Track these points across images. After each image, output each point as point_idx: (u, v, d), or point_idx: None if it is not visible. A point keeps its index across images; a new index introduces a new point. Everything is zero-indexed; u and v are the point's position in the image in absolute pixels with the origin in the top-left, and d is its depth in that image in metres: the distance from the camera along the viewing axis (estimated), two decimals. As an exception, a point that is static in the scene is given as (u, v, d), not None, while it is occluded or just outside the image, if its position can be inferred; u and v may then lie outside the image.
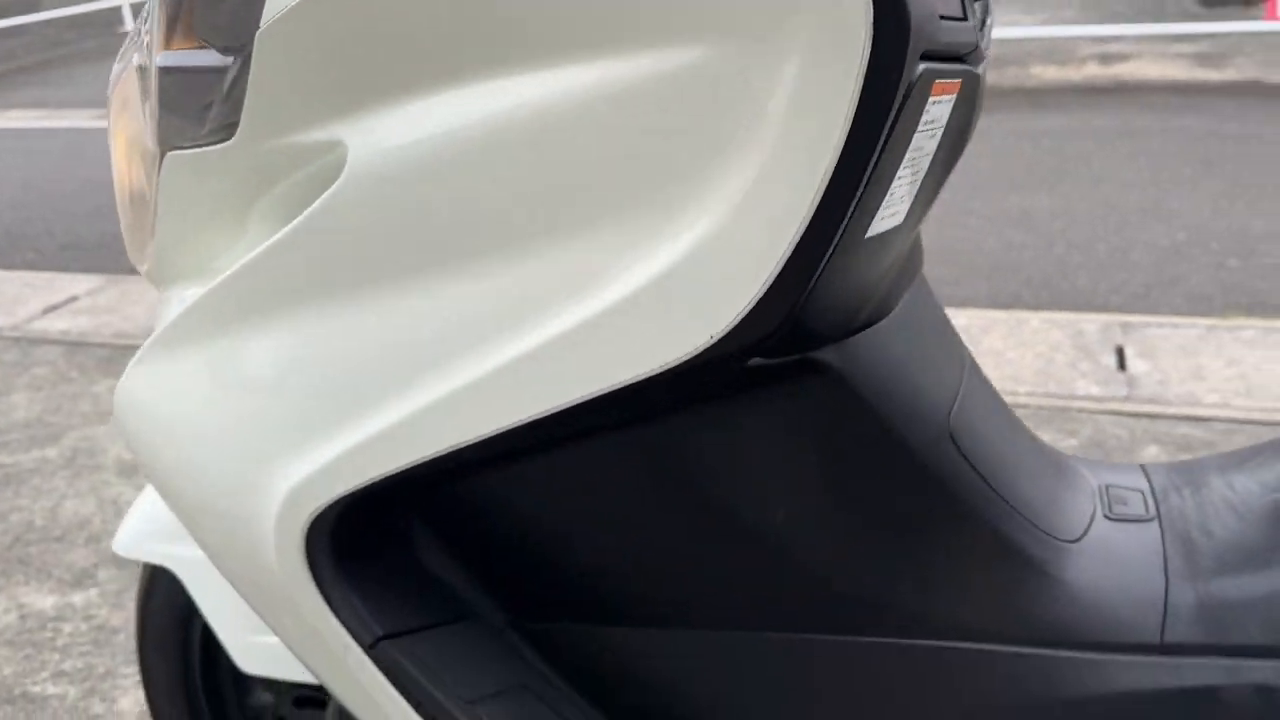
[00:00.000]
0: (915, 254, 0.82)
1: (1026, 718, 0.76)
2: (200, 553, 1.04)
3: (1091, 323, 2.75)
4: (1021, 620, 0.76)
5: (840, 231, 0.57)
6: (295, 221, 0.67)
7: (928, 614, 0.76)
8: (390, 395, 0.68)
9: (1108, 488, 0.87)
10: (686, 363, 0.60)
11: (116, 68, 0.87)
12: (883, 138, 0.55)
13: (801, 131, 0.55)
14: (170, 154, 0.74)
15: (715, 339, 0.59)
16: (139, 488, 2.30)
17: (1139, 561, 0.79)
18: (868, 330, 0.75)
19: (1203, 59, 6.10)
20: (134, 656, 1.79)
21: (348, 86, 0.64)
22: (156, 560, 1.07)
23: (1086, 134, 4.81)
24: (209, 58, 0.69)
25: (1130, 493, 0.87)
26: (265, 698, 1.27)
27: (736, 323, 0.58)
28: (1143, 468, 0.92)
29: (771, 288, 0.57)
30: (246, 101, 0.67)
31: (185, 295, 0.80)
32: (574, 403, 0.63)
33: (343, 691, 0.79)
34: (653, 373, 0.60)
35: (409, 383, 0.67)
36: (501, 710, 0.77)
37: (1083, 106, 5.40)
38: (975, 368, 0.87)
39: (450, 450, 0.67)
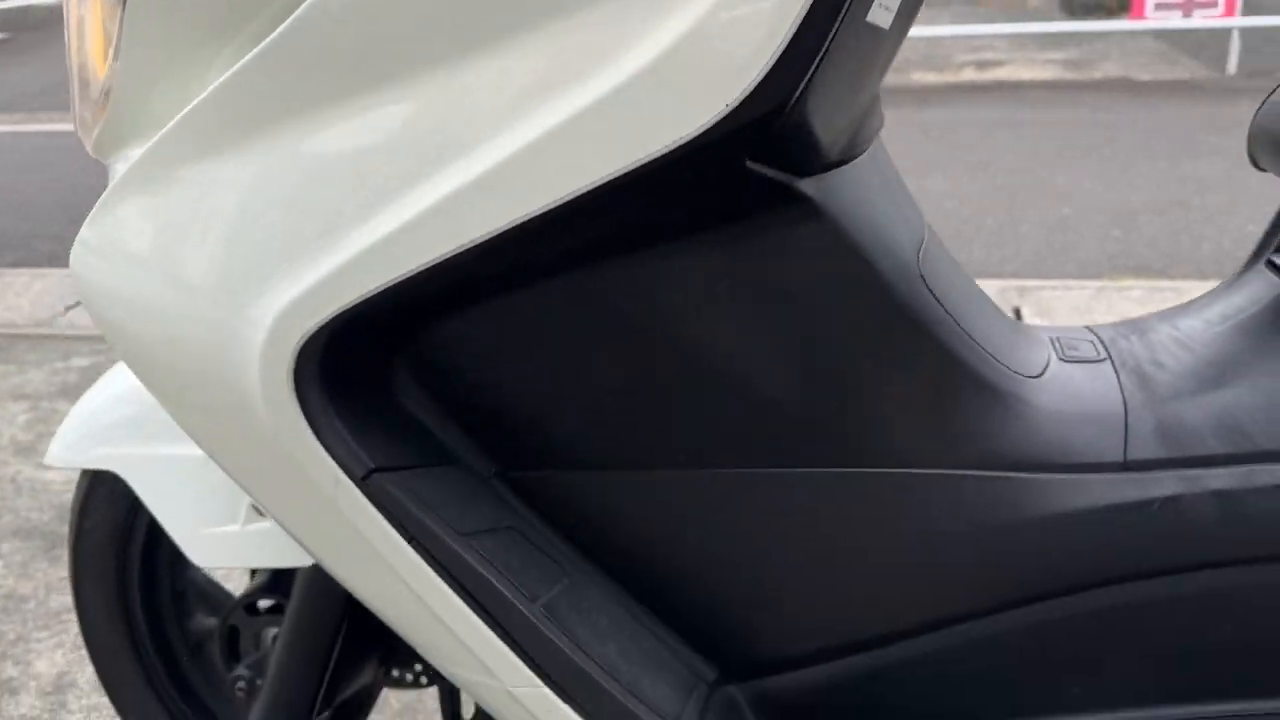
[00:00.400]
0: (878, 109, 0.85)
1: (1002, 538, 0.79)
2: (145, 450, 1.00)
3: (989, 286, 2.85)
4: (994, 447, 0.79)
5: (845, 7, 0.59)
6: (268, 39, 0.66)
7: (902, 444, 0.79)
8: (378, 207, 0.66)
9: (1058, 338, 0.91)
10: (697, 140, 0.61)
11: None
12: None
13: None
14: None
15: (730, 107, 0.60)
16: (39, 466, 2.20)
17: (1097, 392, 0.83)
18: (843, 167, 0.77)
19: (1072, 64, 6.40)
20: (48, 621, 1.71)
21: None
22: (96, 464, 1.03)
23: (971, 125, 5.00)
24: None
25: (1080, 341, 0.91)
26: (208, 621, 1.23)
27: (750, 90, 0.59)
28: (1087, 328, 0.97)
29: (782, 57, 0.59)
30: None
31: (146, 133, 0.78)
32: (587, 187, 0.63)
33: (326, 538, 0.77)
34: (668, 149, 0.61)
35: (398, 191, 0.66)
36: (494, 545, 0.76)
37: (965, 103, 5.61)
38: (930, 227, 0.91)
39: (443, 259, 0.66)
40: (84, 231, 0.78)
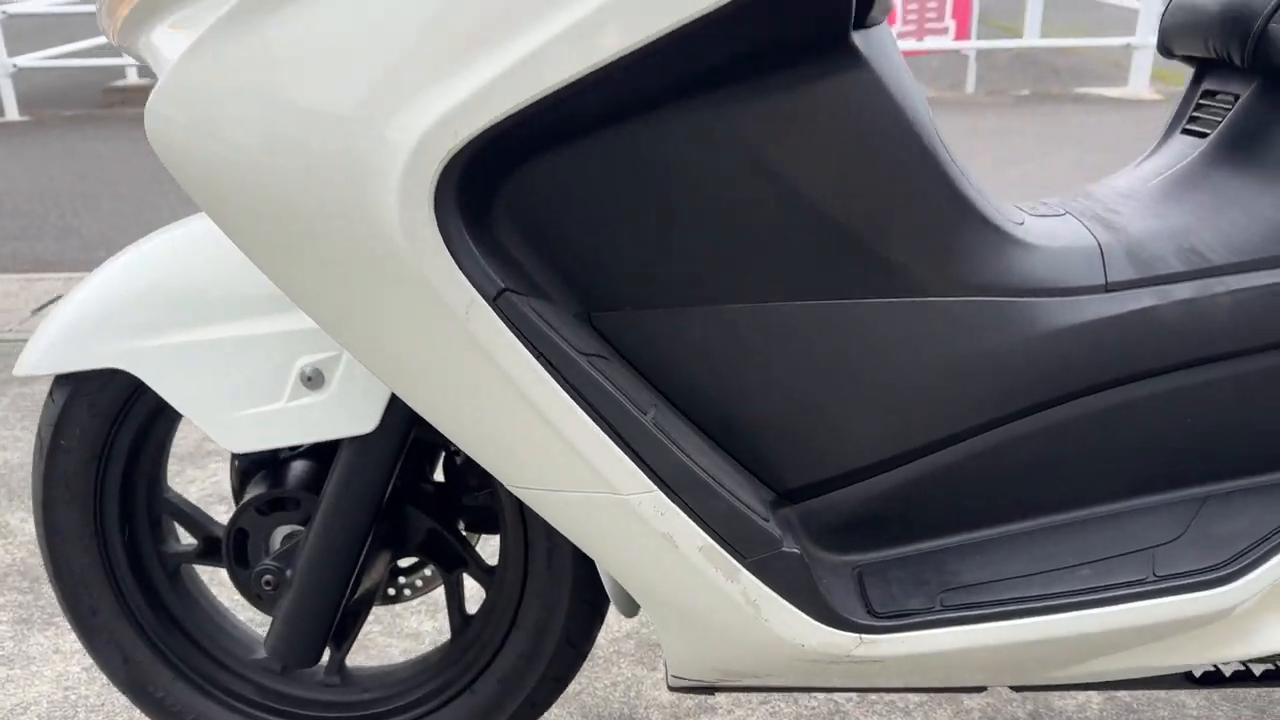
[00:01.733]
0: None
1: (1012, 354, 0.92)
2: (161, 341, 0.98)
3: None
4: (1001, 276, 0.92)
5: None
6: None
7: (928, 274, 0.90)
8: (520, 26, 0.71)
9: (1019, 205, 1.06)
10: None
11: None
12: None
13: None
14: None
15: None
16: None
17: (1071, 232, 0.98)
18: (877, 27, 0.89)
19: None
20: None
21: None
22: (99, 364, 0.99)
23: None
24: None
25: (1038, 205, 1.06)
26: (182, 544, 1.19)
27: None
28: (1040, 200, 1.12)
29: None
30: None
31: None
32: (707, 8, 0.70)
33: (445, 363, 0.79)
34: None
35: (539, 10, 0.71)
36: (606, 367, 0.81)
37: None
38: None
39: (572, 79, 0.72)
40: (160, 96, 0.78)
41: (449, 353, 0.79)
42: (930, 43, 6.68)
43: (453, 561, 1.14)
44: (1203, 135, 1.05)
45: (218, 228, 0.82)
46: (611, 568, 0.88)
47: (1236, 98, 1.03)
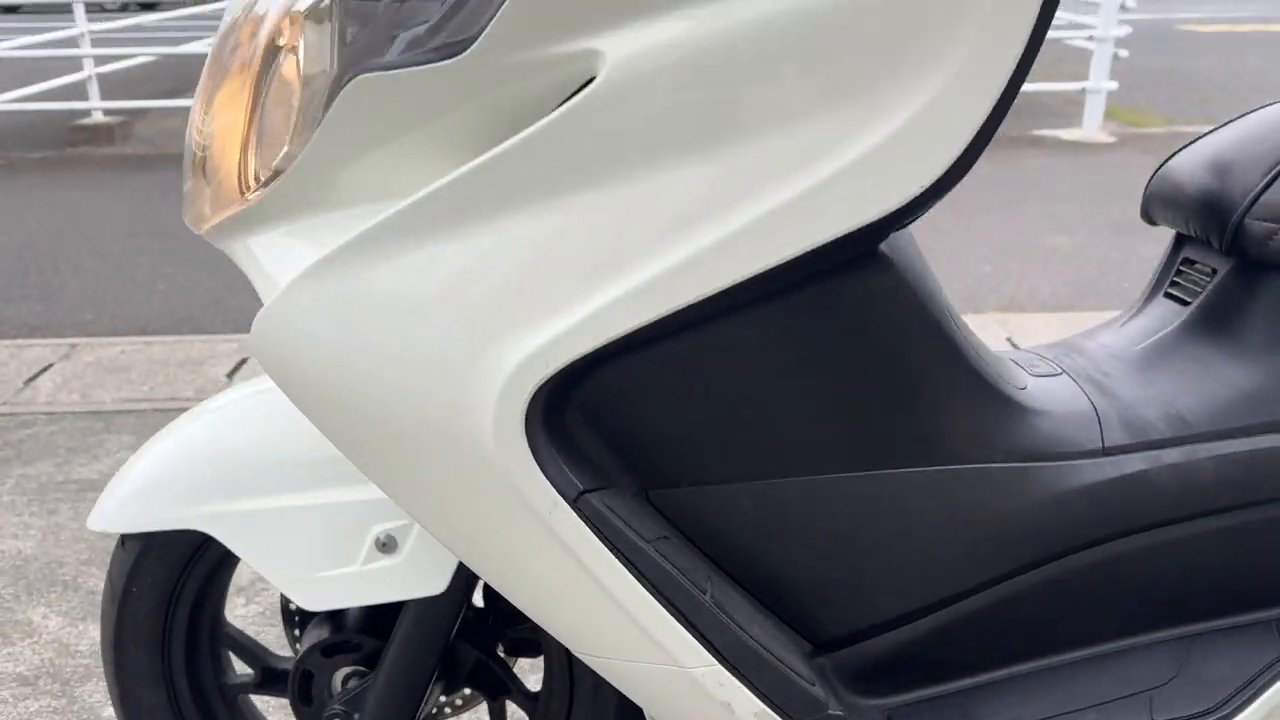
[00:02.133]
0: None
1: (1019, 516, 1.02)
2: (239, 505, 1.06)
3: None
4: (1008, 444, 1.02)
5: (999, 121, 0.81)
6: (538, 125, 0.78)
7: (946, 446, 1.00)
8: (610, 275, 0.80)
9: (1016, 359, 1.17)
10: (886, 218, 0.80)
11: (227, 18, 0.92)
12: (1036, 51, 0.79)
13: (992, 43, 0.76)
14: (360, 78, 0.82)
15: (924, 187, 0.79)
16: None
17: (1070, 395, 1.08)
18: (900, 231, 0.99)
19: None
20: None
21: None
22: (175, 525, 1.07)
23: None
24: None
25: (1037, 360, 1.17)
26: (240, 676, 1.27)
27: (929, 185, 0.79)
28: (1034, 351, 1.23)
29: (956, 161, 0.79)
30: (502, 15, 0.77)
31: (334, 218, 0.87)
32: (788, 257, 0.80)
33: (526, 555, 0.88)
34: (868, 221, 0.79)
35: (628, 262, 0.80)
36: (668, 549, 0.91)
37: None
38: None
39: (654, 319, 0.81)
40: (270, 317, 0.86)
41: (527, 543, 0.88)
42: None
43: (496, 687, 1.22)
44: (1184, 303, 1.17)
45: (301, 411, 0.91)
46: None
47: (1214, 271, 1.14)
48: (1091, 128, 6.20)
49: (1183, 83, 8.00)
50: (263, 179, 0.90)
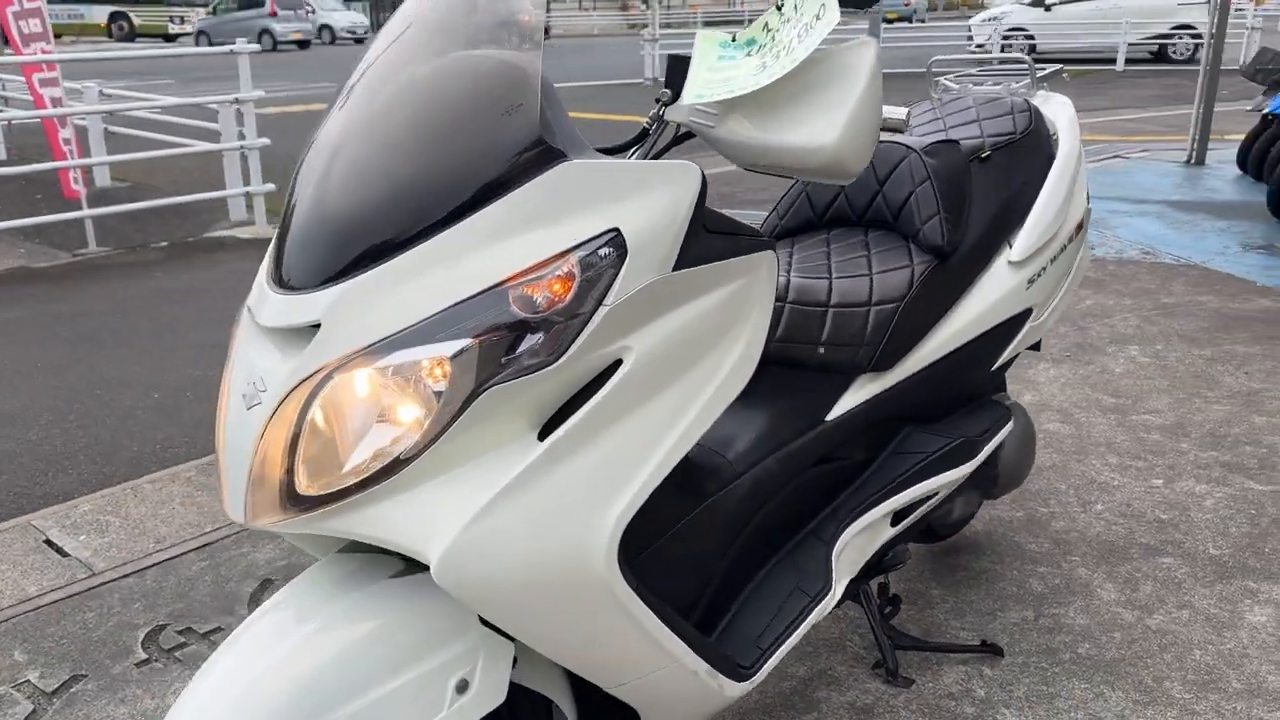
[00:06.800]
0: None
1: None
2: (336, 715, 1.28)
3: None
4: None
5: None
6: (596, 399, 1.29)
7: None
8: (651, 452, 1.36)
9: None
10: None
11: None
12: None
13: None
14: (493, 390, 1.22)
15: None
16: None
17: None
18: None
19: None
20: None
21: (645, 314, 1.33)
22: None
23: None
24: (538, 320, 1.25)
25: None
26: None
27: None
28: None
29: None
30: (579, 341, 1.26)
31: (461, 473, 1.26)
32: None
33: (610, 630, 1.39)
34: None
35: (661, 444, 1.38)
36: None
37: None
38: None
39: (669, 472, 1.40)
40: (452, 556, 1.23)
41: (611, 622, 1.39)
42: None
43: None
44: None
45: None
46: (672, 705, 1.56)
47: None
48: (263, 224, 7.04)
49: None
50: (373, 470, 1.23)
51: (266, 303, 1.33)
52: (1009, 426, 2.33)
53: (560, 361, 1.26)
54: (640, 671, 1.49)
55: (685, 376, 1.42)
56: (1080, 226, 2.44)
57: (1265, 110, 7.74)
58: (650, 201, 1.35)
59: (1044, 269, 2.31)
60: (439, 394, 1.22)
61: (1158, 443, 3.38)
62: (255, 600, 2.67)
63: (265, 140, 7.06)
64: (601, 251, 1.30)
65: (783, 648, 1.75)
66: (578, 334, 1.27)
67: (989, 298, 2.20)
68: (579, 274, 1.28)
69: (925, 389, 2.14)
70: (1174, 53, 18.35)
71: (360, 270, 1.27)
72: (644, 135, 1.53)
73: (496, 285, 1.26)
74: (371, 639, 1.31)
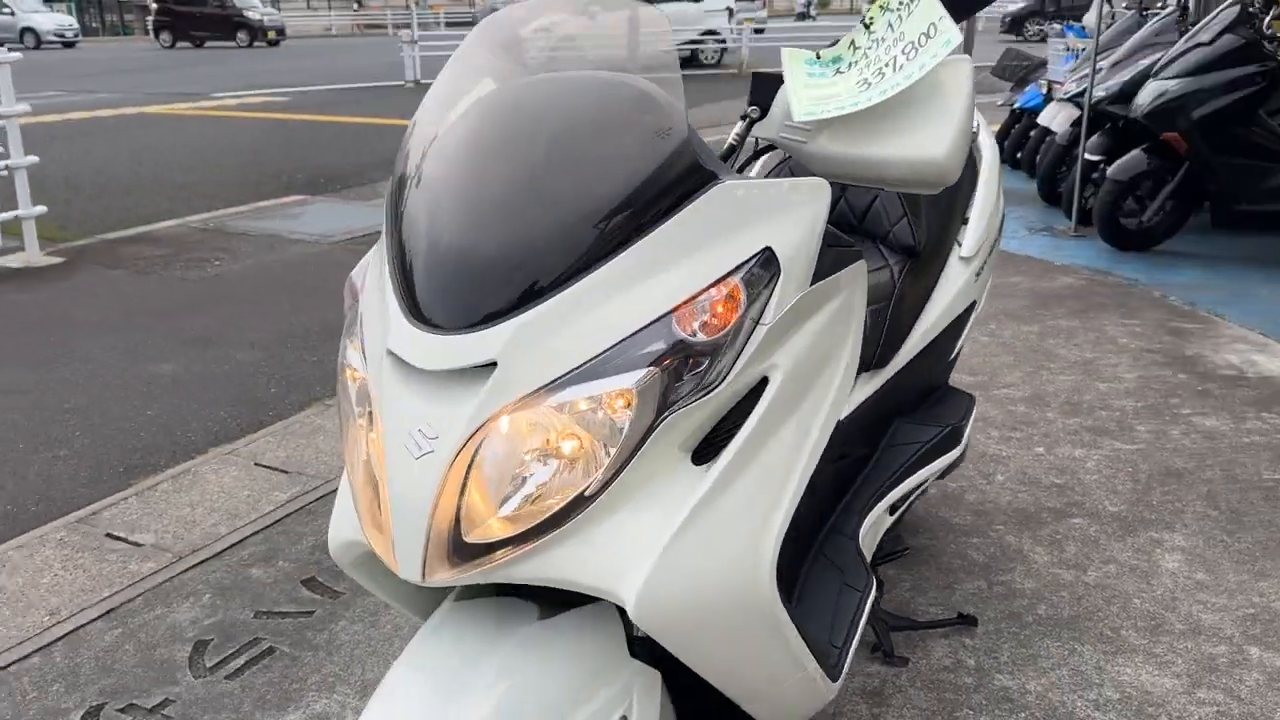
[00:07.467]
0: None
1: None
2: None
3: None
4: None
5: None
6: (753, 419, 1.33)
7: None
8: (790, 478, 1.42)
9: None
10: None
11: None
12: None
13: None
14: (673, 416, 1.23)
15: None
16: None
17: None
18: None
19: None
20: None
21: (789, 332, 1.37)
22: None
23: None
24: (706, 345, 1.25)
25: None
26: None
27: None
28: None
29: None
30: (738, 365, 1.27)
31: (630, 508, 1.25)
32: None
33: (765, 651, 1.43)
34: None
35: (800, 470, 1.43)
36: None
37: None
38: None
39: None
40: (650, 589, 1.23)
41: (769, 642, 1.43)
42: None
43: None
44: None
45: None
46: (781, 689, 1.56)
47: None
48: (34, 251, 6.38)
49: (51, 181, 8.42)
50: (555, 510, 1.21)
51: (420, 345, 1.24)
52: (975, 409, 2.49)
53: (726, 382, 1.29)
54: (776, 681, 1.52)
55: (813, 390, 1.46)
56: (1002, 223, 2.63)
57: (1015, 105, 8.56)
58: (794, 218, 1.37)
59: (985, 263, 2.48)
60: (620, 428, 1.20)
61: (1025, 414, 3.68)
62: (196, 665, 2.44)
63: (33, 158, 6.40)
64: (758, 271, 1.31)
65: (854, 643, 1.79)
66: (739, 354, 1.29)
67: (950, 292, 2.34)
68: (743, 295, 1.28)
69: (911, 382, 2.25)
70: (704, 57, 19.98)
71: (530, 304, 1.22)
72: (732, 151, 1.53)
73: (668, 312, 1.24)
74: (535, 687, 1.29)
